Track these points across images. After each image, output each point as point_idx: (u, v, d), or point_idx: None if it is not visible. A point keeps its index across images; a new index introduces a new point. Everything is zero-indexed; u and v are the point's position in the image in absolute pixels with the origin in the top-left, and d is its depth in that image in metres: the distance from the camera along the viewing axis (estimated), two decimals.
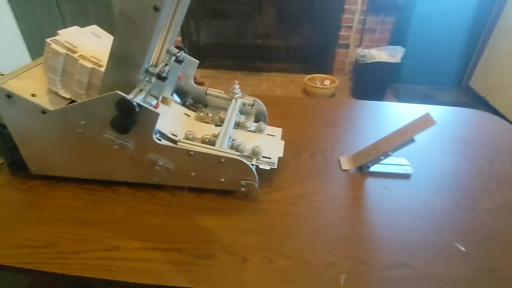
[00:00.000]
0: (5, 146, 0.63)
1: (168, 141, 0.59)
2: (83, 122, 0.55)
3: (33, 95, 0.56)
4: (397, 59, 1.91)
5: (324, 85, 2.12)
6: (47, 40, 0.55)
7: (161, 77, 0.58)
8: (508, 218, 0.58)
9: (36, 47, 2.18)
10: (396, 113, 0.95)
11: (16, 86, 0.55)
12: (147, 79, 0.58)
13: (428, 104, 1.00)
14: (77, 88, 0.58)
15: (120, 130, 0.54)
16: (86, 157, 0.61)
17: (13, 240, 0.52)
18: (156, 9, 0.47)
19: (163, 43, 0.65)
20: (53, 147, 0.60)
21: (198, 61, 0.77)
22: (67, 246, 0.51)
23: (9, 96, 0.54)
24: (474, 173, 0.69)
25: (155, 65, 0.66)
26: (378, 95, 2.09)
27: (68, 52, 0.55)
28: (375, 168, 0.70)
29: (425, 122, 0.65)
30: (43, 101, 0.57)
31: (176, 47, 0.73)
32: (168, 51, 0.67)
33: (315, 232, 0.54)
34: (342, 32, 2.25)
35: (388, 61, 1.89)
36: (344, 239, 0.53)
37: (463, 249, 0.51)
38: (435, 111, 0.96)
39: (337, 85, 2.13)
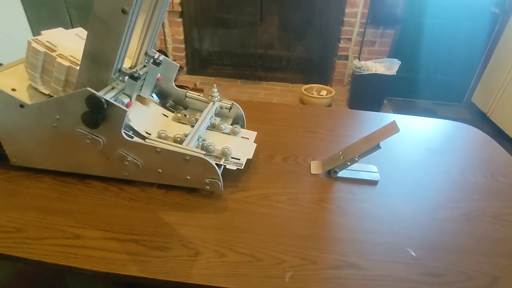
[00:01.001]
0: None
1: (139, 138, 0.62)
2: (57, 117, 0.59)
3: (13, 89, 0.60)
4: (392, 71, 1.92)
5: (321, 95, 2.14)
6: (29, 39, 0.59)
7: (133, 77, 0.61)
8: (466, 226, 0.58)
9: None
10: (376, 122, 0.96)
11: None
12: (120, 78, 0.61)
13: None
14: (55, 84, 0.61)
15: (90, 125, 0.57)
16: (61, 151, 0.64)
17: None
18: (124, 12, 0.50)
19: (141, 46, 0.68)
20: (31, 140, 0.63)
21: (178, 65, 0.80)
22: (32, 233, 0.54)
23: None
24: (442, 183, 0.70)
25: (134, 66, 0.70)
26: (374, 106, 2.10)
27: (47, 50, 0.59)
28: (343, 173, 0.71)
29: (390, 129, 0.66)
30: (23, 96, 0.60)
31: (158, 51, 0.77)
32: (146, 54, 0.70)
33: (271, 231, 0.56)
34: (342, 44, 2.27)
35: (384, 73, 1.91)
36: (298, 239, 0.54)
37: (413, 254, 0.52)
38: (414, 121, 0.97)
39: (334, 96, 2.15)
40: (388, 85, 1.99)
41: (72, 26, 2.26)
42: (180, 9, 2.31)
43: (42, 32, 0.63)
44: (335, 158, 0.72)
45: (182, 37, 2.45)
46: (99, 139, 0.59)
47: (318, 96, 2.12)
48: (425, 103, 2.63)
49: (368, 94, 2.03)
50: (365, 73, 1.94)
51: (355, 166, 0.71)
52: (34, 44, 0.58)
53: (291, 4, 2.33)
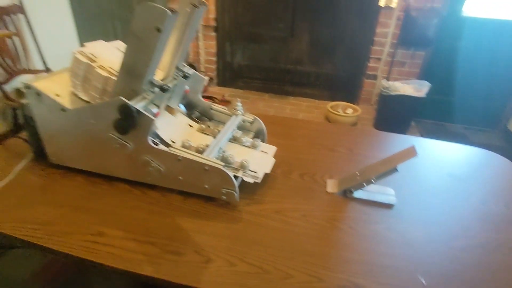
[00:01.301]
0: (33, 136, 0.74)
1: (164, 145, 0.66)
2: (92, 122, 0.64)
3: (57, 95, 0.66)
4: (421, 93, 1.88)
5: (346, 113, 2.13)
6: (74, 50, 0.65)
7: (162, 89, 0.65)
8: (482, 257, 0.56)
9: None
10: (396, 144, 0.95)
11: (44, 86, 0.66)
12: (151, 89, 0.66)
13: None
14: (93, 92, 0.67)
15: (120, 131, 0.62)
16: (93, 153, 0.69)
17: (20, 215, 0.61)
18: (158, 30, 0.55)
19: (172, 60, 0.74)
20: (68, 141, 0.69)
21: (205, 78, 0.85)
22: (61, 227, 0.59)
23: (38, 94, 0.65)
24: (460, 211, 0.68)
25: (165, 78, 0.75)
26: (400, 128, 2.05)
27: (89, 61, 0.65)
28: (359, 194, 0.71)
29: (408, 153, 0.66)
30: (65, 101, 0.67)
31: (189, 65, 0.82)
32: (177, 67, 0.75)
33: (282, 245, 0.57)
34: (371, 63, 2.26)
35: (412, 95, 1.87)
36: (308, 255, 0.55)
37: (424, 283, 0.51)
38: (437, 145, 0.95)
39: (359, 114, 2.13)
40: (416, 107, 1.94)
41: (115, 35, 2.43)
42: (214, 24, 2.42)
43: (85, 44, 0.70)
44: (351, 178, 0.72)
45: (214, 50, 2.55)
46: (127, 144, 0.64)
47: (343, 114, 2.11)
48: (456, 127, 2.53)
49: (395, 115, 1.99)
50: (392, 93, 1.91)
51: (371, 187, 0.71)
52: (77, 55, 0.65)
53: (322, 22, 2.36)
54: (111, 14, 2.38)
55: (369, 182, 0.69)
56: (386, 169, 0.67)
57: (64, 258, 0.56)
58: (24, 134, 0.82)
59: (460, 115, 2.52)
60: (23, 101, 0.69)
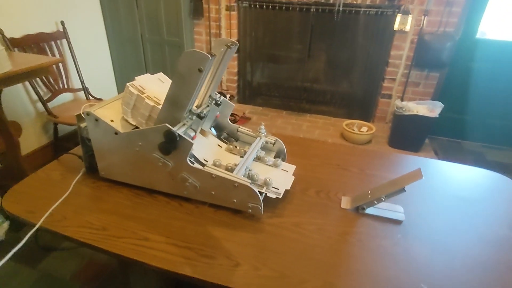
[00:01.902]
0: (87, 154, 0.87)
1: (199, 164, 0.77)
2: (140, 143, 0.76)
3: (111, 120, 0.79)
4: (435, 114, 1.93)
5: (361, 131, 2.20)
6: (127, 84, 0.78)
7: (200, 116, 0.77)
8: (480, 275, 0.63)
9: (122, 78, 2.68)
10: (405, 165, 1.03)
11: (101, 114, 0.78)
12: (190, 116, 0.77)
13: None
14: (141, 118, 0.80)
15: (164, 152, 0.74)
16: (138, 169, 0.81)
17: (80, 221, 0.73)
18: (200, 70, 0.67)
19: (206, 91, 0.85)
20: (118, 159, 0.81)
21: (233, 105, 0.96)
22: (113, 232, 0.70)
23: (96, 120, 0.77)
24: (464, 231, 0.75)
25: (199, 106, 0.86)
26: (414, 146, 2.10)
27: (139, 93, 0.78)
28: (370, 210, 0.79)
29: (415, 175, 0.74)
30: (117, 125, 0.79)
31: (219, 92, 0.94)
32: (210, 96, 0.87)
33: (299, 254, 0.66)
34: (386, 84, 2.34)
35: (425, 115, 1.93)
36: (321, 264, 0.64)
37: None
38: (445, 167, 1.02)
39: (374, 133, 2.19)
40: (430, 126, 2.00)
41: (145, 57, 2.61)
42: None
43: (135, 78, 0.83)
44: (363, 196, 0.80)
45: (236, 70, 2.69)
46: (169, 163, 0.75)
47: (358, 132, 2.18)
48: (473, 144, 2.55)
49: (409, 134, 2.05)
50: (406, 113, 1.98)
51: (382, 205, 0.80)
52: (130, 88, 0.78)
53: (338, 44, 2.47)
54: (141, 38, 2.58)
55: (379, 200, 0.77)
56: (395, 189, 0.75)
57: (116, 258, 0.67)
58: (76, 151, 0.96)
59: (477, 133, 2.54)
60: (82, 125, 0.82)
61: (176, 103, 0.73)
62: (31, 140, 2.06)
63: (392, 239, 0.71)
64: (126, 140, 0.78)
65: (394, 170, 0.99)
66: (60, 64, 2.07)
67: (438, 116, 1.95)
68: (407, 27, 2.12)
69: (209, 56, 0.65)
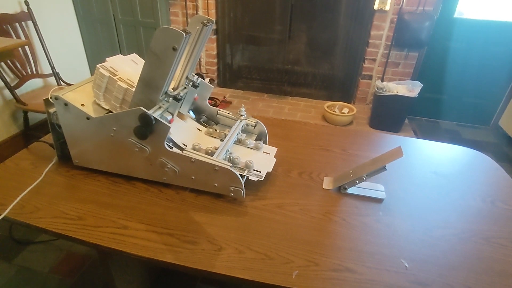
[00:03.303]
0: (58, 141, 0.82)
1: (177, 148, 0.75)
2: (114, 128, 0.72)
3: (82, 105, 0.74)
4: (414, 93, 1.96)
5: (342, 113, 2.21)
6: (98, 65, 0.74)
7: (176, 99, 0.74)
8: (457, 245, 0.65)
9: (95, 61, 2.55)
10: (387, 144, 1.04)
11: (71, 97, 0.74)
12: (166, 99, 0.74)
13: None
14: (114, 102, 0.75)
15: (140, 137, 0.70)
16: (114, 156, 0.77)
17: (54, 212, 0.69)
18: (174, 49, 0.63)
19: (183, 72, 0.82)
20: (91, 145, 0.77)
21: (212, 86, 0.92)
22: (90, 221, 0.67)
23: (66, 104, 0.73)
24: (441, 205, 0.77)
25: (176, 88, 0.83)
26: (394, 126, 2.14)
27: (110, 75, 0.73)
28: (352, 190, 0.80)
29: (395, 153, 0.74)
30: (89, 110, 0.75)
31: (197, 74, 0.90)
32: (187, 78, 0.83)
33: (282, 235, 0.66)
34: (366, 64, 2.34)
35: (405, 95, 1.95)
36: (305, 244, 0.64)
37: (407, 265, 0.60)
38: (423, 145, 1.04)
39: (355, 114, 2.21)
40: (409, 106, 2.03)
41: (119, 39, 2.50)
42: (215, 27, 2.49)
43: (106, 59, 0.78)
44: (345, 176, 0.81)
45: (215, 52, 2.62)
46: (146, 148, 0.72)
47: (339, 114, 2.19)
48: (449, 124, 2.62)
49: (389, 114, 2.07)
50: (386, 94, 1.99)
51: (364, 184, 0.80)
52: (101, 70, 0.73)
53: (318, 24, 2.44)
54: (114, 19, 2.45)
55: (361, 180, 0.77)
56: (376, 168, 0.76)
57: (95, 248, 0.64)
58: (47, 138, 0.91)
59: (453, 112, 2.61)
60: (51, 110, 0.77)
61: (150, 84, 0.69)
62: None
63: (374, 216, 0.72)
64: (99, 125, 0.74)
65: (376, 149, 1.00)
66: (27, 48, 1.95)
67: (417, 96, 1.98)
68: (387, 7, 2.11)
69: (184, 34, 0.62)
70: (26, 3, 1.94)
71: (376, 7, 2.12)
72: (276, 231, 0.67)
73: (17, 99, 1.83)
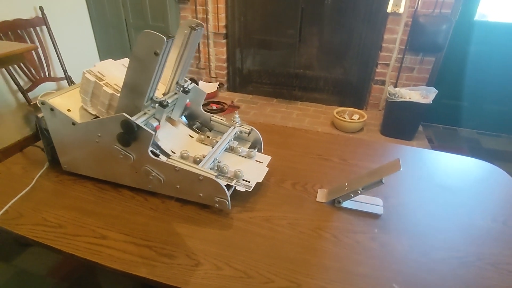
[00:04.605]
0: (48, 146, 0.81)
1: (164, 156, 0.72)
2: (99, 135, 0.71)
3: (68, 110, 0.73)
4: (428, 100, 1.86)
5: (352, 119, 2.14)
6: (84, 70, 0.72)
7: (162, 105, 0.71)
8: (458, 269, 0.59)
9: None
10: (390, 154, 0.98)
11: (58, 103, 0.73)
12: (152, 105, 0.72)
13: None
14: (100, 107, 0.74)
15: (123, 143, 0.68)
16: (100, 162, 0.76)
17: (36, 219, 0.68)
18: (156, 54, 0.61)
19: (173, 77, 0.79)
20: (79, 151, 0.76)
21: (206, 92, 0.90)
22: (70, 229, 0.66)
23: (52, 109, 0.72)
24: (445, 223, 0.70)
25: (166, 93, 0.80)
26: (407, 134, 2.04)
27: (96, 80, 0.72)
28: (347, 204, 0.75)
29: (393, 166, 0.69)
30: (75, 115, 0.74)
31: (190, 79, 0.88)
32: (177, 83, 0.81)
33: (266, 252, 0.61)
34: (379, 69, 2.26)
35: (418, 101, 1.86)
36: (289, 262, 0.59)
37: None
38: (430, 155, 0.97)
39: (365, 120, 2.13)
40: (423, 113, 1.93)
41: (130, 42, 2.53)
42: (225, 31, 2.48)
43: (95, 64, 0.76)
44: (340, 189, 0.76)
45: (225, 56, 2.61)
46: (130, 155, 0.70)
47: (349, 120, 2.12)
48: (468, 132, 2.49)
49: (401, 121, 1.98)
50: (398, 100, 1.91)
51: (360, 197, 0.75)
52: (87, 75, 0.72)
53: (330, 28, 2.38)
54: (125, 23, 2.49)
55: (356, 194, 0.72)
56: (372, 181, 0.70)
57: (70, 258, 0.62)
58: (40, 143, 0.90)
59: (473, 120, 2.48)
60: (39, 114, 0.77)
61: (134, 90, 0.67)
62: (11, 132, 2.00)
63: (368, 233, 0.67)
64: (84, 131, 0.72)
65: (378, 160, 0.94)
66: (41, 52, 2.00)
67: (431, 102, 1.88)
68: (401, 9, 2.03)
69: (165, 38, 0.59)
70: (41, 9, 1.99)
71: (389, 10, 2.05)
72: (260, 247, 0.63)
73: (29, 101, 1.88)
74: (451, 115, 2.48)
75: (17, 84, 1.83)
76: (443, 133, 2.44)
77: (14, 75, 1.82)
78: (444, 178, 0.86)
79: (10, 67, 1.81)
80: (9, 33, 1.83)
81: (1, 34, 1.79)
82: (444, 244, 0.64)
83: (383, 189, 0.78)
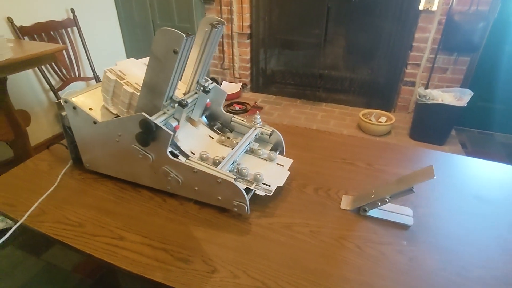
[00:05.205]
0: (71, 144, 0.82)
1: (183, 156, 0.71)
2: (119, 134, 0.70)
3: (90, 109, 0.74)
4: (462, 102, 1.75)
5: (379, 121, 2.05)
6: (105, 69, 0.72)
7: (181, 104, 0.70)
8: None
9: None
10: (420, 159, 0.91)
11: (80, 101, 0.73)
12: (171, 104, 0.71)
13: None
14: (121, 106, 0.74)
15: (142, 143, 0.68)
16: (120, 161, 0.76)
17: (57, 216, 0.69)
18: (175, 52, 0.60)
19: (193, 77, 0.78)
20: (100, 150, 0.76)
21: (226, 92, 0.88)
22: (89, 229, 0.66)
23: (74, 108, 0.72)
24: (482, 238, 0.64)
25: (187, 92, 0.79)
26: (438, 138, 1.93)
27: (117, 79, 0.71)
28: (374, 212, 0.70)
29: (426, 174, 0.64)
30: (97, 114, 0.74)
31: (211, 79, 0.86)
32: (198, 83, 0.79)
33: (285, 261, 0.58)
34: (409, 70, 2.15)
35: (452, 104, 1.75)
36: (309, 273, 0.56)
37: None
38: (468, 163, 0.89)
39: (393, 123, 2.04)
40: (456, 116, 1.81)
41: None
42: (249, 31, 2.47)
43: (116, 62, 0.76)
44: (366, 196, 0.71)
45: (248, 57, 2.60)
46: (149, 155, 0.69)
47: (376, 123, 2.03)
48: (506, 137, 2.32)
49: (432, 124, 1.87)
50: (429, 102, 1.81)
51: (388, 206, 0.70)
52: (108, 73, 0.72)
53: (356, 27, 2.31)
54: (152, 24, 2.53)
55: (383, 202, 0.67)
56: (401, 189, 0.65)
57: (87, 258, 0.62)
58: (65, 141, 0.92)
59: (510, 124, 2.31)
60: (63, 113, 0.78)
61: (153, 89, 0.66)
62: (44, 129, 2.08)
63: (395, 245, 0.62)
64: (105, 130, 0.72)
65: (407, 165, 0.88)
66: (71, 52, 2.07)
67: (466, 105, 1.77)
68: (434, 7, 1.92)
69: (184, 36, 0.58)
70: (72, 10, 2.06)
71: (421, 7, 1.95)
72: (279, 255, 0.60)
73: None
74: (486, 119, 2.32)
75: (49, 83, 1.90)
76: (478, 138, 2.30)
77: (46, 75, 1.89)
78: (480, 187, 0.79)
79: (43, 67, 1.88)
80: (43, 34, 1.91)
81: (35, 35, 1.87)
82: (481, 261, 0.58)
83: (412, 198, 0.73)
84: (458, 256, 0.59)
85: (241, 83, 2.68)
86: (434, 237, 0.64)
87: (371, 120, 2.05)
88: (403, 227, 0.67)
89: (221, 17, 2.47)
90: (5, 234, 0.67)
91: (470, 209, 0.72)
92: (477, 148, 2.18)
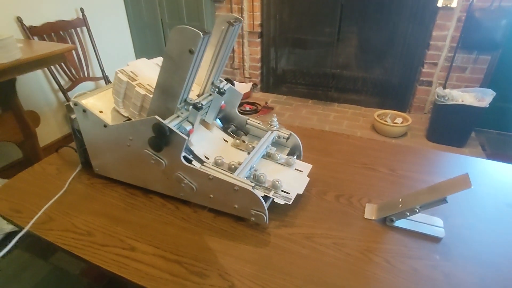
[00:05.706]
0: (81, 148, 0.79)
1: (198, 162, 0.67)
2: (131, 138, 0.67)
3: (100, 111, 0.70)
4: (484, 103, 1.67)
5: (395, 123, 1.98)
6: (116, 70, 0.69)
7: (196, 107, 0.66)
8: None
9: None
10: (448, 165, 0.86)
11: (90, 104, 0.70)
12: (185, 107, 0.67)
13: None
14: (133, 109, 0.70)
15: (154, 148, 0.64)
16: (131, 166, 0.72)
17: (65, 224, 0.66)
18: (190, 52, 0.56)
19: (208, 77, 0.74)
20: (110, 154, 0.73)
21: (242, 93, 0.84)
22: (99, 238, 0.62)
23: (84, 110, 0.69)
24: None
25: (201, 94, 0.75)
26: (457, 140, 1.85)
27: (129, 80, 0.68)
28: (401, 223, 0.65)
29: (461, 183, 0.59)
30: (107, 117, 0.70)
31: (226, 79, 0.82)
32: (213, 84, 0.76)
33: (308, 276, 0.54)
34: (425, 69, 2.08)
35: (472, 104, 1.68)
36: None
37: None
38: (499, 168, 0.83)
39: (410, 124, 1.97)
40: (477, 118, 1.74)
41: (165, 40, 2.55)
42: (259, 30, 2.42)
43: (128, 63, 0.73)
44: (392, 205, 0.66)
45: (259, 56, 2.55)
46: (162, 161, 0.65)
47: (392, 124, 1.97)
48: None
49: (451, 126, 1.80)
50: (448, 103, 1.74)
51: (416, 216, 0.65)
52: (119, 75, 0.68)
53: (371, 25, 2.25)
54: (161, 23, 2.51)
55: (413, 212, 0.62)
56: (433, 199, 0.60)
57: (96, 269, 0.58)
58: (74, 144, 0.89)
59: None
60: (73, 116, 0.74)
61: (167, 91, 0.62)
62: (53, 130, 2.08)
63: (428, 260, 0.57)
64: (116, 133, 0.69)
65: (433, 171, 0.83)
66: (80, 52, 2.06)
67: (488, 106, 1.69)
68: (454, 3, 1.85)
69: (201, 34, 0.54)
70: (82, 10, 2.05)
71: (440, 4, 1.88)
72: (301, 270, 0.55)
73: (68, 100, 1.93)
74: (507, 120, 2.23)
75: (58, 83, 1.89)
76: (498, 140, 2.21)
77: (55, 75, 1.88)
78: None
79: (52, 67, 1.87)
80: (52, 34, 1.90)
81: (44, 35, 1.85)
82: None
83: (441, 207, 0.67)
84: (498, 272, 0.54)
85: (251, 83, 2.64)
86: (469, 251, 0.59)
87: (386, 121, 1.98)
88: (435, 239, 0.62)
89: None
90: (13, 237, 0.64)
91: (506, 218, 0.67)
92: (497, 150, 2.09)
